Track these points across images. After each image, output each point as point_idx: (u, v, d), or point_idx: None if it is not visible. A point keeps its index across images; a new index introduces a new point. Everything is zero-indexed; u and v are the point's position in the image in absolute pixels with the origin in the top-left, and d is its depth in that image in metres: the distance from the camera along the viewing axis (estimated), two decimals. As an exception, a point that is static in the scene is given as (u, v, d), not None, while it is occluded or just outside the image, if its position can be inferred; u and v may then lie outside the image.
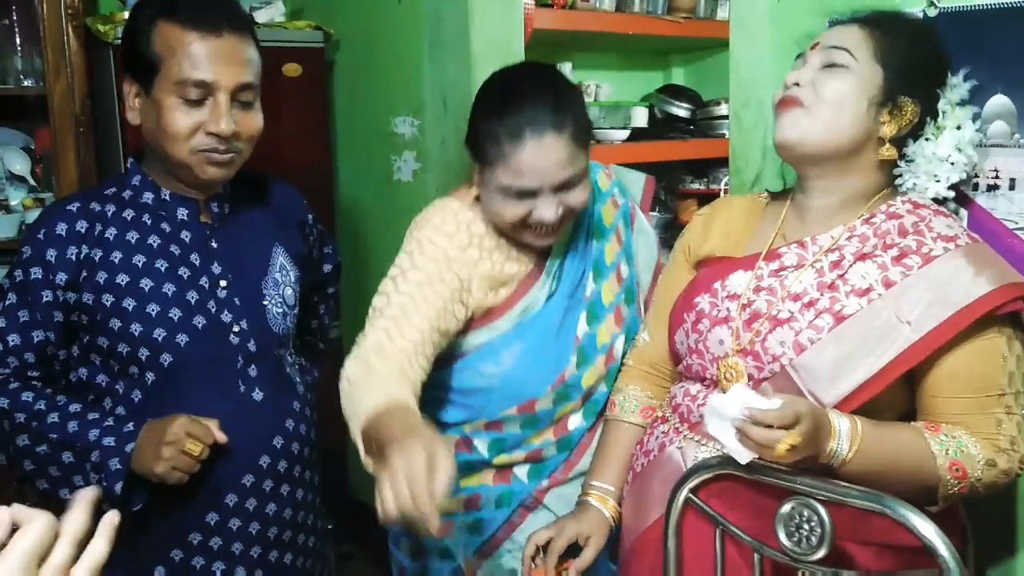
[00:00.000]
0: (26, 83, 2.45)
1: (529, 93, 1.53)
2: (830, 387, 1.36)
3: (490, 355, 1.63)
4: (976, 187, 1.58)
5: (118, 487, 1.41)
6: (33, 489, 1.51)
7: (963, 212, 1.58)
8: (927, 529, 1.16)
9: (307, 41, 3.04)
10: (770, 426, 1.21)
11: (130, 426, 1.44)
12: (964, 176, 1.47)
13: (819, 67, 1.43)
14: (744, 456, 1.26)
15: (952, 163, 1.44)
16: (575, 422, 1.69)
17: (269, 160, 2.85)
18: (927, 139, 1.44)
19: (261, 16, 2.98)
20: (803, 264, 1.44)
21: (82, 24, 2.36)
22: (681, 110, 3.45)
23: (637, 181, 1.91)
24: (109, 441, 1.43)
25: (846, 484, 1.26)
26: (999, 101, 1.54)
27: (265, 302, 1.59)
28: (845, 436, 1.27)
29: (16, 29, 2.44)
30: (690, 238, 1.66)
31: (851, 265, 1.40)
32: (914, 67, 1.42)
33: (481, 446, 1.66)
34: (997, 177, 1.57)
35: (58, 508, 1.32)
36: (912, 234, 1.39)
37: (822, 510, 1.23)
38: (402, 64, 2.93)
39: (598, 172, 1.77)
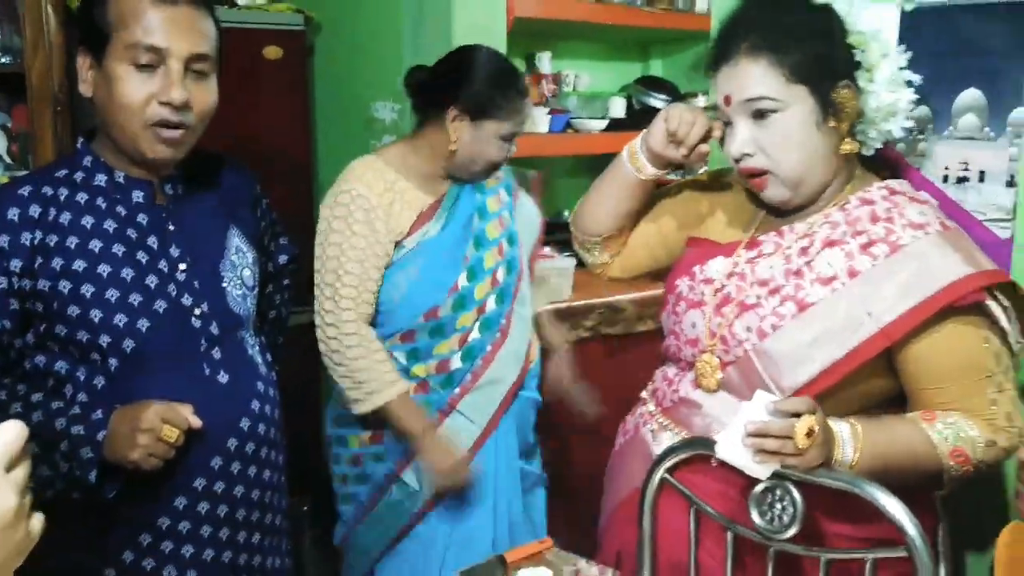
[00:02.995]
0: (3, 60, 2.43)
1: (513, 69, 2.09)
2: (789, 374, 1.38)
3: (399, 269, 2.02)
4: (946, 179, 1.61)
5: (92, 476, 1.39)
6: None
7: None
8: (894, 507, 1.20)
9: (288, 24, 3.03)
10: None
11: (99, 414, 1.41)
12: (913, 107, 1.44)
13: (750, 122, 1.40)
14: (764, 471, 1.26)
15: (896, 110, 1.41)
16: (474, 334, 2.06)
17: (248, 143, 2.87)
18: (867, 92, 1.40)
19: (242, -2, 2.97)
20: (778, 251, 1.46)
21: (61, 1, 2.35)
22: (659, 101, 3.47)
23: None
24: (78, 430, 1.40)
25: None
26: (971, 95, 1.58)
27: (224, 284, 1.57)
28: (848, 440, 1.29)
29: (-7, 5, 2.42)
30: (689, 207, 1.65)
31: (818, 252, 1.41)
32: (824, 60, 1.38)
33: (401, 357, 2.04)
34: (967, 169, 1.60)
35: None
36: (883, 221, 1.40)
37: (794, 490, 1.26)
38: (383, 49, 2.93)
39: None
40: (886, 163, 1.56)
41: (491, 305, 2.06)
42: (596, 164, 1.96)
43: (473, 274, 2.04)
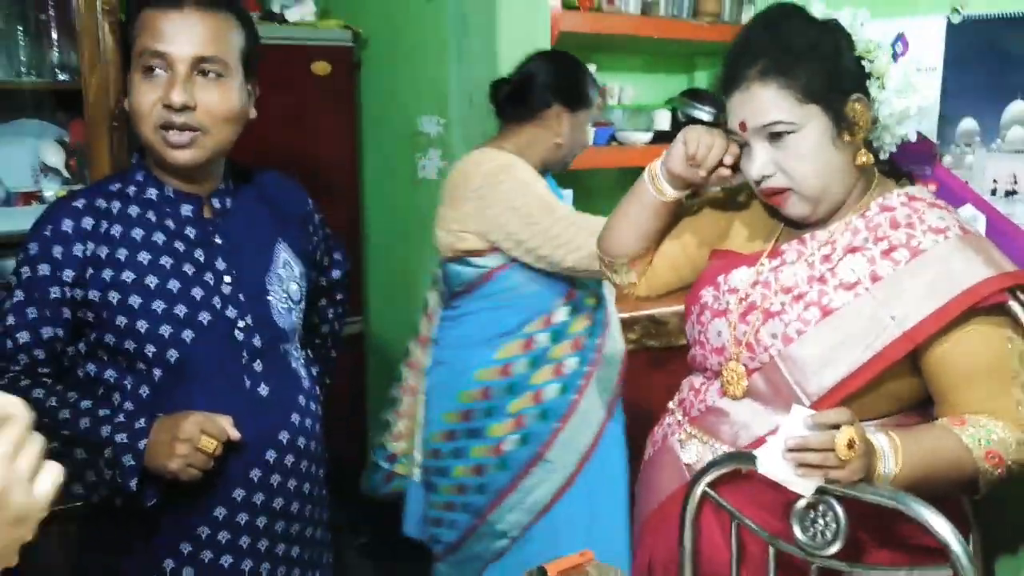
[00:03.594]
0: (61, 77, 2.50)
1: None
2: (815, 378, 1.39)
3: None
4: (994, 192, 1.60)
5: (132, 483, 1.41)
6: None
7: (978, 214, 1.59)
8: (941, 526, 1.18)
9: (336, 40, 3.08)
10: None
11: (141, 422, 1.43)
12: (923, 105, 1.47)
13: (767, 144, 1.41)
14: (808, 486, 1.25)
15: (909, 114, 1.43)
16: (597, 315, 2.27)
17: (297, 157, 2.92)
18: (878, 101, 1.42)
19: (292, 15, 3.02)
20: (800, 259, 1.47)
21: (117, 20, 2.40)
22: (704, 114, 3.46)
23: None
24: (122, 438, 1.42)
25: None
26: (1018, 107, 1.56)
27: (269, 297, 1.59)
28: (888, 452, 1.28)
29: (52, 24, 2.49)
30: (712, 221, 1.66)
31: (840, 259, 1.42)
32: (834, 76, 1.39)
33: (543, 339, 2.19)
34: (1016, 183, 1.58)
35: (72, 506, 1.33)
36: (904, 227, 1.41)
37: (837, 505, 1.25)
38: (429, 63, 2.97)
39: None
40: (901, 170, 1.56)
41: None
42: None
43: None
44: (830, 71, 1.39)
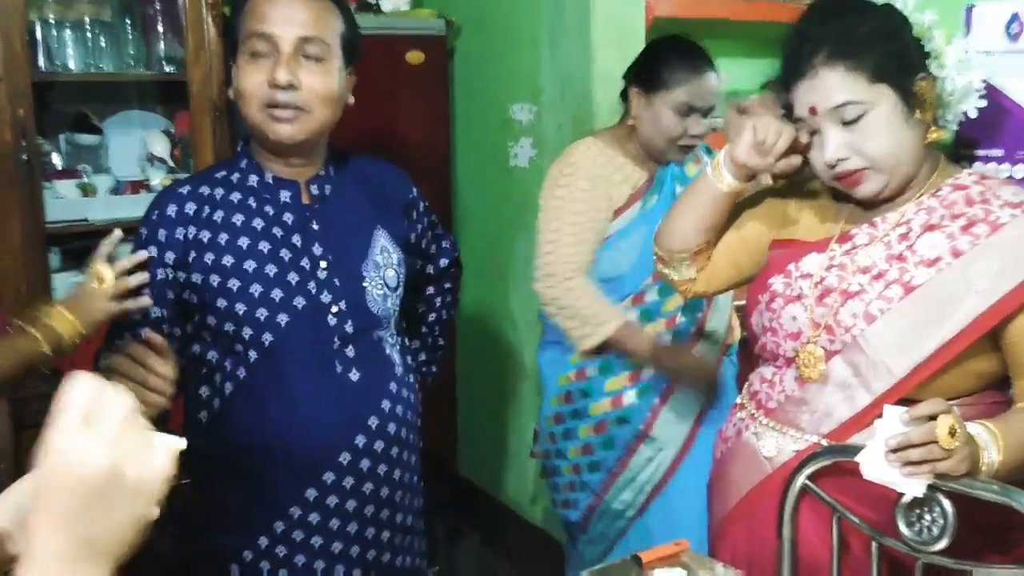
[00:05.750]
0: (168, 69, 2.59)
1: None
2: (901, 356, 1.37)
3: (624, 237, 2.20)
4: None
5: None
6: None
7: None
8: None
9: (429, 29, 3.11)
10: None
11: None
12: (981, 84, 1.45)
13: (839, 128, 1.40)
14: (917, 486, 1.21)
15: (971, 91, 1.44)
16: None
17: (390, 145, 2.96)
18: (940, 79, 1.42)
19: (386, 5, 3.06)
20: (874, 241, 1.45)
21: (220, 13, 2.48)
22: (802, 98, 3.38)
23: None
24: None
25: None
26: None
27: (365, 284, 1.61)
28: (989, 442, 1.25)
29: (159, 18, 2.58)
30: (771, 212, 1.64)
31: (919, 236, 1.41)
32: (899, 57, 1.39)
33: (634, 319, 2.19)
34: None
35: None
36: (979, 203, 1.39)
37: (945, 500, 1.21)
38: (521, 50, 2.96)
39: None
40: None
41: (680, 319, 2.23)
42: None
43: None
44: (894, 51, 1.39)
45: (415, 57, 3.05)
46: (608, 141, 2.26)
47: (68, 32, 2.48)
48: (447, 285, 1.95)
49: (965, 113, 1.45)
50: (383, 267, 1.65)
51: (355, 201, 1.67)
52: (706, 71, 2.18)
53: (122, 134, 2.73)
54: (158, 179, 2.62)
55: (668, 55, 2.19)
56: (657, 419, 2.21)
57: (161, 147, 2.70)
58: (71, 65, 2.50)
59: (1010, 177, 1.64)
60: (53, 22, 2.47)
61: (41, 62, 2.44)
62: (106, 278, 1.49)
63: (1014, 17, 1.68)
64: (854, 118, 1.39)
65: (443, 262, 1.91)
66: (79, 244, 2.41)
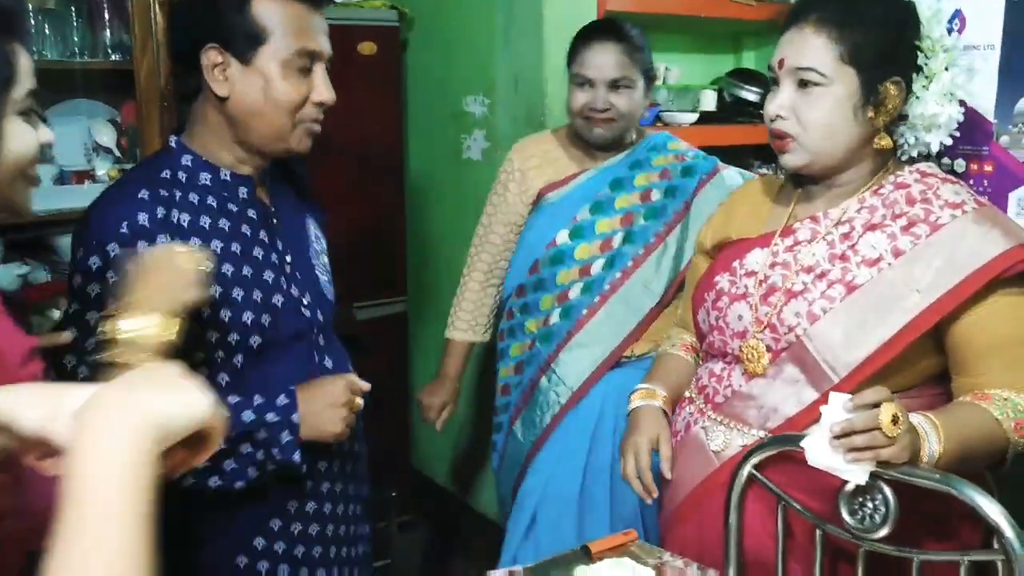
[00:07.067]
0: (114, 57, 2.54)
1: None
2: (844, 355, 1.40)
3: (526, 229, 2.24)
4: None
5: (296, 456, 1.43)
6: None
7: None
8: (992, 509, 1.17)
9: (382, 20, 3.09)
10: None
11: (283, 399, 1.45)
12: (954, 127, 1.48)
13: (794, 88, 1.45)
14: (860, 473, 1.23)
15: (940, 124, 1.46)
16: (575, 293, 2.15)
17: (343, 136, 2.93)
18: (916, 97, 1.45)
19: (338, -5, 3.03)
20: (816, 237, 1.48)
21: (168, 1, 2.44)
22: (751, 94, 3.42)
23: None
24: (272, 417, 1.43)
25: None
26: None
27: (317, 272, 1.61)
28: (931, 432, 1.27)
29: (105, 5, 2.53)
30: (708, 228, 1.72)
31: (860, 236, 1.44)
32: (884, 52, 1.42)
33: (517, 311, 2.23)
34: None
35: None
36: (920, 203, 1.42)
37: (887, 488, 1.24)
38: (474, 44, 2.96)
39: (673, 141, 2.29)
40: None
41: (596, 268, 2.15)
42: (686, 157, 1.95)
43: (578, 233, 2.15)
44: (882, 44, 1.41)
45: (368, 48, 3.03)
46: (559, 133, 2.28)
47: (11, 19, 2.42)
48: None
49: (928, 144, 1.48)
50: (320, 253, 1.66)
51: (289, 193, 1.66)
52: (599, 42, 2.11)
53: (67, 123, 2.66)
54: (104, 169, 2.57)
55: (576, 39, 2.17)
56: (560, 354, 2.17)
57: (107, 137, 2.65)
58: (14, 52, 2.43)
59: (952, 171, 1.68)
60: (-5, 8, 2.41)
61: (-18, 49, 2.38)
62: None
63: (956, 12, 1.72)
64: (808, 85, 1.42)
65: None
66: (23, 235, 2.36)
